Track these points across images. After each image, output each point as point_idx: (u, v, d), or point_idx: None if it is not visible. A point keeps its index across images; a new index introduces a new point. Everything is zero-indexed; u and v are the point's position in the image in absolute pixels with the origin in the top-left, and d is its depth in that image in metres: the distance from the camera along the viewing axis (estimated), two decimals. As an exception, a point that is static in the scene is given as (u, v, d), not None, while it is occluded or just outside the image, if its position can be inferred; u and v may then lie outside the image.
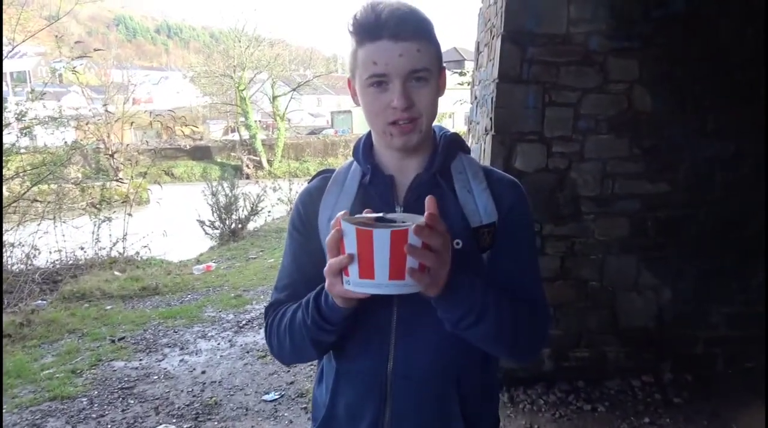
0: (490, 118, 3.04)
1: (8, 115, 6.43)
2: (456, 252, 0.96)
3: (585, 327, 3.24)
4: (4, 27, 7.06)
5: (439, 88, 1.02)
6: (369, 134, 1.11)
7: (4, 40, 7.33)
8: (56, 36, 7.20)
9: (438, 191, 1.03)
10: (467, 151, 1.13)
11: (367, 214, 0.88)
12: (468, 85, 4.00)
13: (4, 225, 6.49)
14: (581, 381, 3.26)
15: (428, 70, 0.97)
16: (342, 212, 0.87)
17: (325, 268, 0.87)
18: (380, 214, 0.86)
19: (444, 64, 1.06)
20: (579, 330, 3.24)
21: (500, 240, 1.04)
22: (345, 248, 0.82)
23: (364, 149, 1.10)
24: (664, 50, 2.98)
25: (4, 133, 6.34)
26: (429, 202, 0.84)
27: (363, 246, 0.79)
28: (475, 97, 3.71)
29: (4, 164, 6.24)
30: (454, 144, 1.10)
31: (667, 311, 3.24)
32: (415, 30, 0.95)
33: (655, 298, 3.24)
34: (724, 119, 3.05)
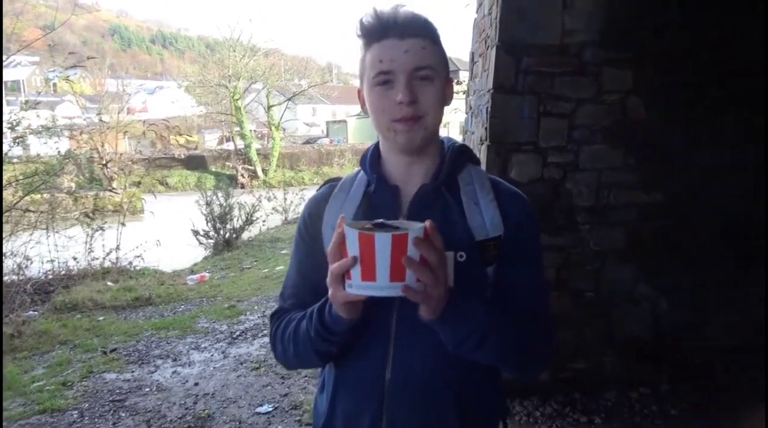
0: (485, 128, 3.03)
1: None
2: (458, 267, 0.97)
3: (581, 338, 3.22)
4: (-2, 37, 7.03)
5: (445, 93, 1.03)
6: (377, 145, 1.12)
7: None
8: (49, 45, 7.16)
9: (441, 202, 1.04)
10: (476, 162, 1.14)
11: (368, 222, 0.89)
12: (464, 93, 4.01)
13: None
14: (578, 393, 3.24)
15: (433, 68, 0.99)
16: (342, 215, 0.89)
17: (328, 276, 0.87)
18: (381, 220, 0.87)
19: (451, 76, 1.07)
20: (575, 341, 3.22)
21: (507, 254, 1.04)
22: (348, 251, 0.83)
23: (372, 159, 1.11)
24: (658, 60, 2.98)
25: (-3, 141, 6.29)
26: (430, 224, 0.84)
27: (365, 249, 0.81)
28: (470, 107, 3.70)
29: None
30: (463, 155, 1.11)
31: (665, 321, 3.23)
32: (421, 28, 0.98)
33: (652, 308, 3.22)
34: (719, 129, 3.06)
